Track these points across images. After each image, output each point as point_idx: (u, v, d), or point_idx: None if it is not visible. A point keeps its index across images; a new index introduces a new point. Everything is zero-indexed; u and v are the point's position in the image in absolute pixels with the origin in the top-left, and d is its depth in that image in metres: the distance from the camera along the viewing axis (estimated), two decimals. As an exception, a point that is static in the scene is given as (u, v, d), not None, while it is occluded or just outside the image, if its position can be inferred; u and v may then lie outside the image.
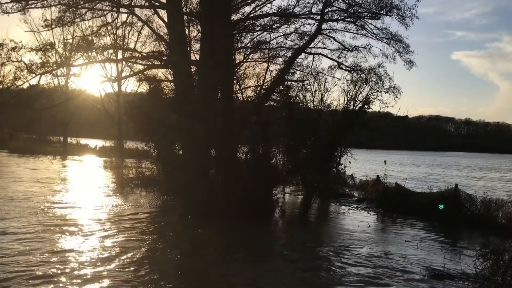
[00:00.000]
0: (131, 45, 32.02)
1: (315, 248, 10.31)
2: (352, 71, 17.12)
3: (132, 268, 7.74)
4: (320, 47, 17.51)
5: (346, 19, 16.45)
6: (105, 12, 17.28)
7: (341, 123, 14.48)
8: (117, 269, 7.63)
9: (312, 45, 16.94)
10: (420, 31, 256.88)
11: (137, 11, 18.05)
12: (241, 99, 16.79)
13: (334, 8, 16.26)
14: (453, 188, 15.06)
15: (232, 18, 16.12)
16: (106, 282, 7.01)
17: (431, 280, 8.05)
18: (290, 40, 17.87)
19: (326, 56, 17.66)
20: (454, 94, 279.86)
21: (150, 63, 17.11)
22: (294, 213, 14.77)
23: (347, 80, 15.79)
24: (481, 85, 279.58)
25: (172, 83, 16.51)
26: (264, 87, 16.03)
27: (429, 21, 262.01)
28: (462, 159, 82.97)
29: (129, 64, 22.10)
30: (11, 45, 30.05)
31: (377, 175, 20.13)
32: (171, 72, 16.19)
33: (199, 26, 16.86)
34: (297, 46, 17.29)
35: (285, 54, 17.77)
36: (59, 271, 7.34)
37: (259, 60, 18.15)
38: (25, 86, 17.29)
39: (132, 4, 16.65)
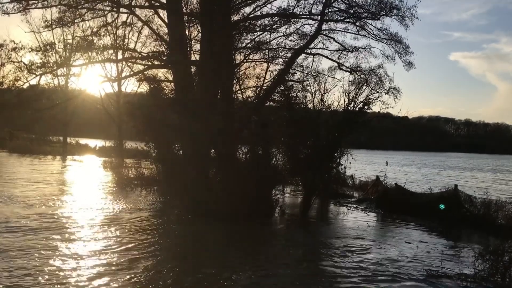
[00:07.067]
0: (131, 45, 31.95)
1: (314, 248, 10.32)
2: (353, 72, 17.12)
3: (130, 268, 7.75)
4: (320, 48, 17.54)
5: (346, 20, 16.44)
6: (105, 12, 17.26)
7: (342, 124, 14.49)
8: (115, 269, 7.65)
9: (312, 45, 16.97)
10: (418, 32, 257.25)
11: (137, 11, 18.06)
12: (241, 99, 16.81)
13: (334, 8, 16.27)
14: (453, 189, 15.08)
15: (232, 19, 16.12)
16: (104, 281, 7.03)
17: (430, 280, 8.05)
18: (290, 41, 17.90)
19: (326, 57, 17.67)
20: (453, 95, 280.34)
21: (150, 63, 17.10)
22: (294, 213, 14.77)
23: (348, 81, 15.81)
24: (479, 86, 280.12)
25: (172, 83, 16.51)
26: (264, 87, 16.04)
27: (426, 22, 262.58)
28: (449, 159, 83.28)
29: (129, 64, 22.09)
30: (11, 46, 29.93)
31: (377, 176, 20.14)
32: (171, 72, 16.19)
33: (199, 26, 16.87)
34: (297, 47, 17.31)
35: (285, 55, 17.80)
36: (56, 270, 7.37)
37: (259, 60, 18.19)
38: (25, 86, 17.26)
39: (132, 4, 16.65)
